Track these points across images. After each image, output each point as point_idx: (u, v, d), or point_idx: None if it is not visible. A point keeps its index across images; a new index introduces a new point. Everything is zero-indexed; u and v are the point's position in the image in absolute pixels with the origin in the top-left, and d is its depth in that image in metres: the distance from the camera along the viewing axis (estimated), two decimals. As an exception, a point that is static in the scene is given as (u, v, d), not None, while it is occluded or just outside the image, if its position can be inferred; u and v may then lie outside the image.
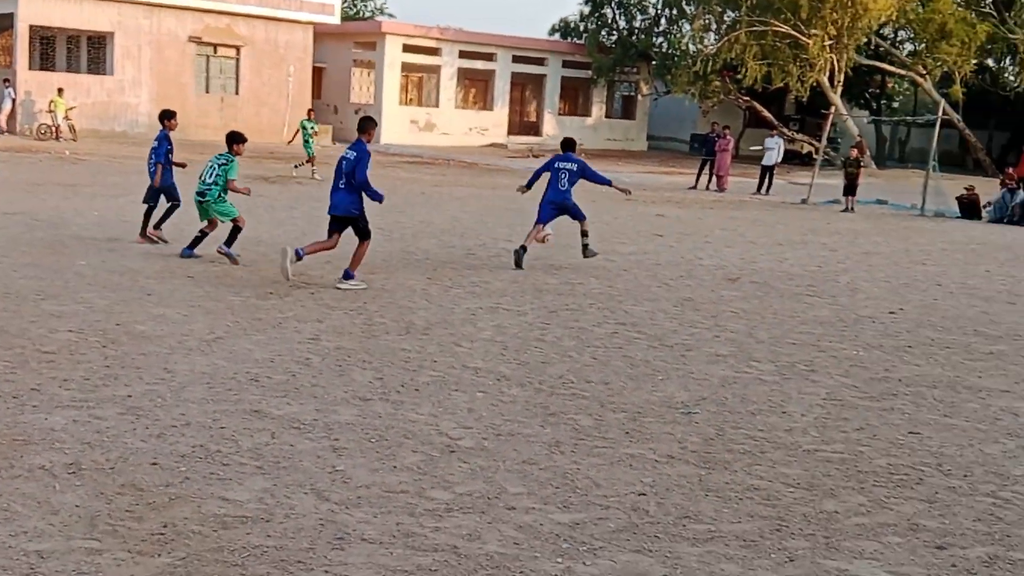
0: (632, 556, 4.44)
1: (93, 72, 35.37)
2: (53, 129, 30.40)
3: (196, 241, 11.63)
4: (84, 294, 9.18)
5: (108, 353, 7.22)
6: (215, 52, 36.47)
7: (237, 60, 36.80)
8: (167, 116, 12.76)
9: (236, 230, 11.52)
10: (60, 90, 31.16)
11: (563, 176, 12.63)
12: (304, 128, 24.34)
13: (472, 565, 4.26)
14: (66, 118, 30.75)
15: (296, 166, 23.91)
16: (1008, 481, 5.64)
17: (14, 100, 31.57)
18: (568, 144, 13.22)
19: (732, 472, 5.56)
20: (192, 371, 6.90)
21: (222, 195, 11.52)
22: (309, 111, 27.27)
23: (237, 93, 36.88)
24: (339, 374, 7.08)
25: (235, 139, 11.70)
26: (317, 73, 40.51)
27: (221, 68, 36.75)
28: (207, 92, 36.36)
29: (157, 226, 12.48)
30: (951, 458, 5.98)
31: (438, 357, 7.74)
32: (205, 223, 11.67)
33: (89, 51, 36.59)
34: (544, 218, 12.72)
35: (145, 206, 12.59)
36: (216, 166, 11.56)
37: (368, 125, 10.47)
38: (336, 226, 10.54)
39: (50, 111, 30.70)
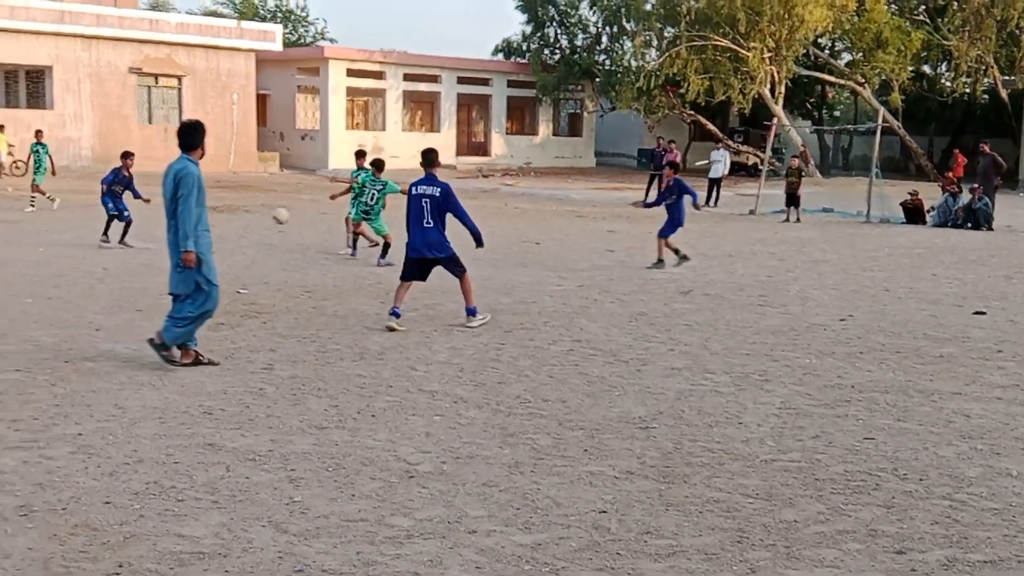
0: (595, 575, 4.43)
1: (33, 107, 34.87)
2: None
3: (385, 249, 14.15)
4: (30, 332, 9.01)
5: (57, 391, 7.09)
6: (156, 82, 36.18)
7: (179, 90, 36.54)
8: (125, 156, 16.02)
9: (386, 246, 14.13)
10: (0, 126, 30.62)
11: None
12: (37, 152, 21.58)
13: (435, 591, 4.22)
14: (9, 154, 30.25)
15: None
16: (963, 483, 5.71)
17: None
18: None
19: (692, 485, 5.57)
20: (144, 406, 6.79)
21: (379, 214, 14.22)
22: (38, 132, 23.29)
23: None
24: (294, 403, 7.01)
25: (378, 165, 14.59)
26: (261, 100, 40.34)
27: (163, 98, 36.48)
28: (150, 123, 36.05)
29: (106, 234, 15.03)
30: (906, 462, 6.05)
31: (394, 382, 7.70)
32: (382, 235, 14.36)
33: (28, 85, 36.08)
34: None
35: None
36: (376, 191, 14.25)
37: (437, 157, 10.00)
38: (418, 270, 9.88)
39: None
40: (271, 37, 38.33)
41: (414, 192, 9.87)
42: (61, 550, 4.49)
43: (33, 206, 20.51)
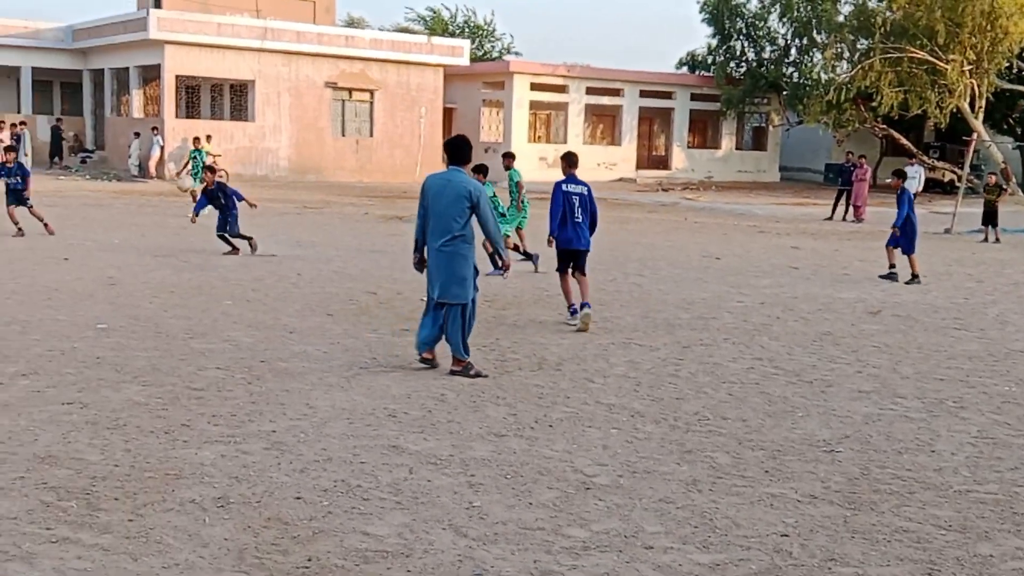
0: (775, 599, 4.32)
1: (236, 119, 36.89)
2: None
3: (530, 256, 14.55)
4: (230, 332, 9.52)
5: (253, 389, 7.46)
6: (350, 96, 37.58)
7: (371, 103, 37.83)
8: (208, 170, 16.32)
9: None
10: (208, 136, 32.57)
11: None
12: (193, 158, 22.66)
13: (611, 604, 4.21)
14: (214, 163, 32.05)
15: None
16: None
17: (162, 147, 33.13)
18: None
19: (879, 513, 5.37)
20: (333, 407, 7.06)
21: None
22: (195, 139, 25.10)
23: (372, 135, 37.87)
24: (474, 410, 7.14)
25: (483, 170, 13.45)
26: (448, 114, 41.30)
27: (356, 112, 37.85)
28: (343, 135, 37.46)
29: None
30: (1117, 501, 5.63)
31: (571, 393, 7.73)
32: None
33: (232, 99, 38.21)
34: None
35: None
36: (488, 197, 14.04)
37: (578, 159, 10.88)
38: (571, 260, 10.59)
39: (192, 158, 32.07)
40: (459, 52, 39.22)
41: (564, 190, 10.62)
42: (254, 542, 4.72)
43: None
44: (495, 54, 53.13)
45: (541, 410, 7.20)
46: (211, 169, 16.56)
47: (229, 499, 5.23)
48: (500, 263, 8.53)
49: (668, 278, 14.56)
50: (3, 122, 32.26)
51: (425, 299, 8.39)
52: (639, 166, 44.51)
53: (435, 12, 54.01)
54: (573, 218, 10.51)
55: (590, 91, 42.82)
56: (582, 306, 10.38)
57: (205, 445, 6.10)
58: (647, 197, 35.18)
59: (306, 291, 12.16)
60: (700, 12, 45.33)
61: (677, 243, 20.05)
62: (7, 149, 17.13)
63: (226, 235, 15.33)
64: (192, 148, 22.94)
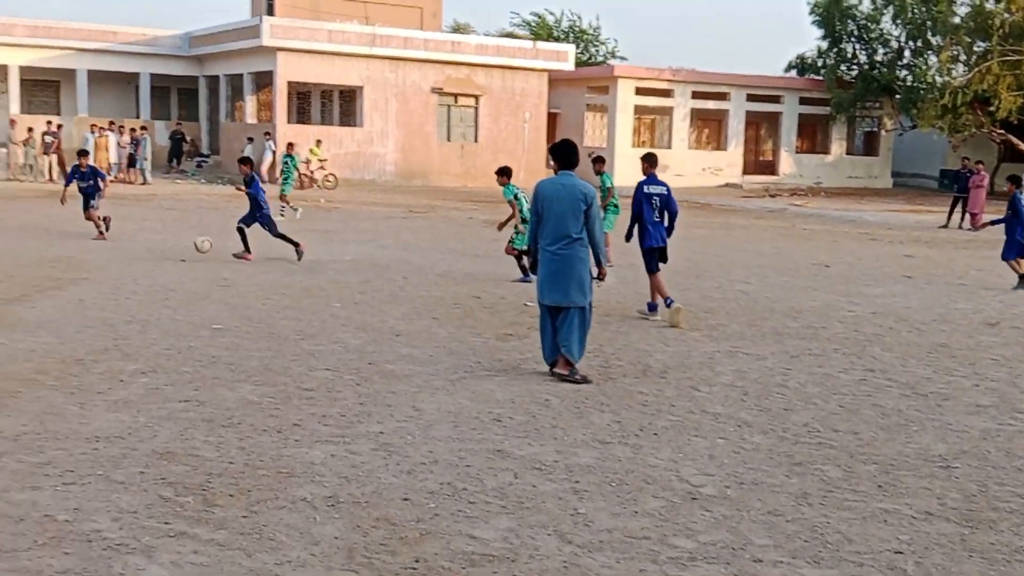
0: (889, 618, 4.21)
1: (344, 124, 37.61)
2: (310, 178, 32.51)
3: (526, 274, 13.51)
4: (339, 334, 9.70)
5: (361, 391, 7.59)
6: (456, 102, 37.96)
7: (476, 108, 38.15)
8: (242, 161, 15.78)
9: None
10: (318, 141, 33.36)
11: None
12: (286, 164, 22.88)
13: (718, 617, 4.16)
14: (320, 168, 32.81)
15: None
16: None
17: (274, 152, 33.95)
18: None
19: (998, 532, 5.18)
20: (439, 410, 7.14)
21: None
22: (289, 145, 24.76)
23: (476, 140, 38.19)
24: (578, 416, 7.14)
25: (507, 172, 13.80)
26: (552, 118, 41.38)
27: (461, 117, 38.21)
28: (448, 140, 37.86)
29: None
30: None
31: (676, 401, 7.67)
32: None
33: (341, 104, 38.97)
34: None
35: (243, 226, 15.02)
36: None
37: (658, 159, 11.48)
38: (657, 258, 11.02)
39: (306, 162, 32.89)
40: (564, 57, 39.27)
41: (645, 191, 11.04)
42: (364, 541, 4.80)
43: (283, 215, 21.45)
44: (600, 58, 53.03)
45: (646, 418, 7.16)
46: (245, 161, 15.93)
47: (339, 498, 5.32)
48: (598, 272, 8.52)
49: (776, 286, 14.31)
50: (123, 126, 33.47)
51: (530, 304, 8.44)
52: (745, 171, 43.91)
53: (540, 17, 54.20)
54: (654, 218, 10.98)
55: (696, 95, 42.42)
56: (667, 302, 10.92)
57: (316, 444, 6.23)
58: (753, 203, 34.68)
59: (412, 294, 12.32)
60: (810, 14, 44.53)
61: (785, 250, 19.71)
62: (81, 153, 17.52)
63: (243, 227, 15.01)
64: (285, 154, 23.32)
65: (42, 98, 40.64)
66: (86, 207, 16.88)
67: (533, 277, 11.36)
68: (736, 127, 43.62)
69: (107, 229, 16.87)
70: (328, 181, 32.68)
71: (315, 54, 34.59)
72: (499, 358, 8.93)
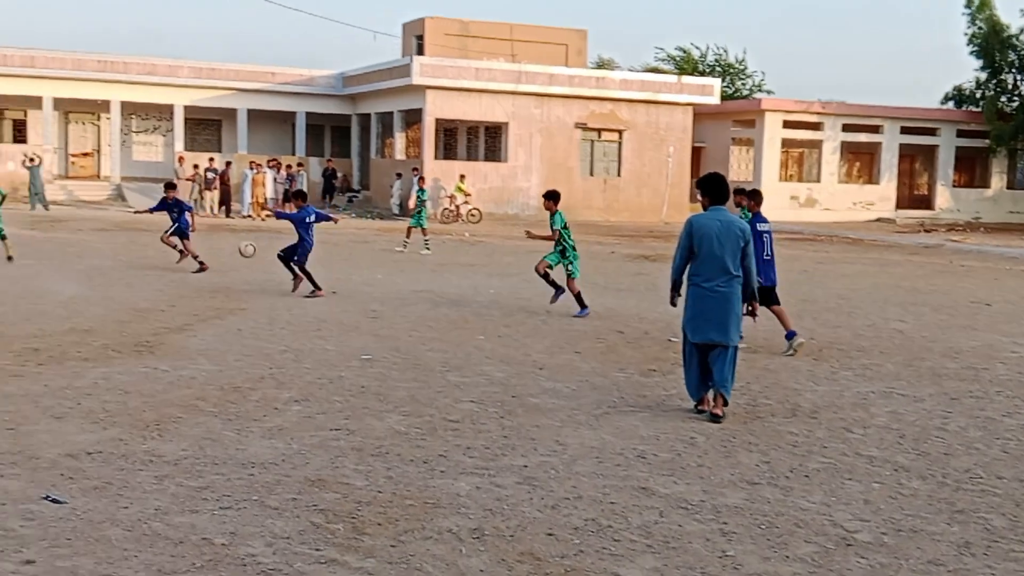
0: None
1: (490, 159, 38.17)
2: (455, 213, 33.12)
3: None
4: (483, 367, 9.79)
5: (505, 424, 7.63)
6: (599, 136, 38.05)
7: (619, 143, 38.15)
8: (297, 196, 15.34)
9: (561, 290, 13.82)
10: (462, 176, 33.97)
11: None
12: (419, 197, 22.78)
13: (875, 670, 3.99)
14: (465, 202, 33.39)
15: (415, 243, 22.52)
16: None
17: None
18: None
19: None
20: (582, 444, 7.11)
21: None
22: (421, 179, 24.46)
23: (619, 175, 38.16)
24: (725, 455, 6.99)
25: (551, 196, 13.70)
26: (696, 152, 41.04)
27: (604, 151, 38.27)
28: (591, 175, 37.95)
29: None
30: None
31: (828, 442, 7.43)
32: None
33: (486, 140, 39.58)
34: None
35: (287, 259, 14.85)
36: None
37: (762, 197, 11.76)
38: (769, 296, 11.03)
39: (451, 197, 33.56)
40: (709, 91, 38.94)
41: (757, 228, 10.92)
42: (509, 575, 4.80)
43: (428, 249, 22.02)
44: (746, 92, 52.38)
45: (796, 459, 6.96)
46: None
47: (484, 531, 5.35)
48: (752, 308, 8.46)
49: (932, 324, 13.77)
50: (279, 162, 34.81)
51: (675, 339, 8.33)
52: (899, 206, 42.57)
53: (685, 52, 53.95)
54: (763, 255, 10.99)
55: (846, 128, 41.43)
56: (790, 334, 11.05)
57: (461, 476, 6.28)
58: (908, 238, 33.51)
59: (554, 328, 12.35)
60: (968, 44, 42.99)
61: (942, 287, 18.95)
62: (168, 186, 18.17)
63: (288, 261, 14.74)
64: (417, 188, 23.80)
65: (204, 136, 42.73)
66: (174, 233, 17.41)
67: (588, 310, 12.62)
68: (889, 160, 42.35)
69: (181, 260, 17.51)
70: (472, 215, 33.19)
71: (463, 91, 35.27)
72: (643, 394, 8.84)
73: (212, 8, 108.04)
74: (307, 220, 14.76)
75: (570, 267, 13.64)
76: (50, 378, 8.58)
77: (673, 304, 8.43)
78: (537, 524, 5.48)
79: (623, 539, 5.30)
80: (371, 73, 38.31)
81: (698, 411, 8.14)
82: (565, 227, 13.55)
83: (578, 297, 13.57)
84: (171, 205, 17.60)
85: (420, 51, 40.62)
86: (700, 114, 39.80)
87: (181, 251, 17.63)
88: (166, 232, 17.69)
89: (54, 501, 5.52)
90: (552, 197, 13.65)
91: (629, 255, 23.60)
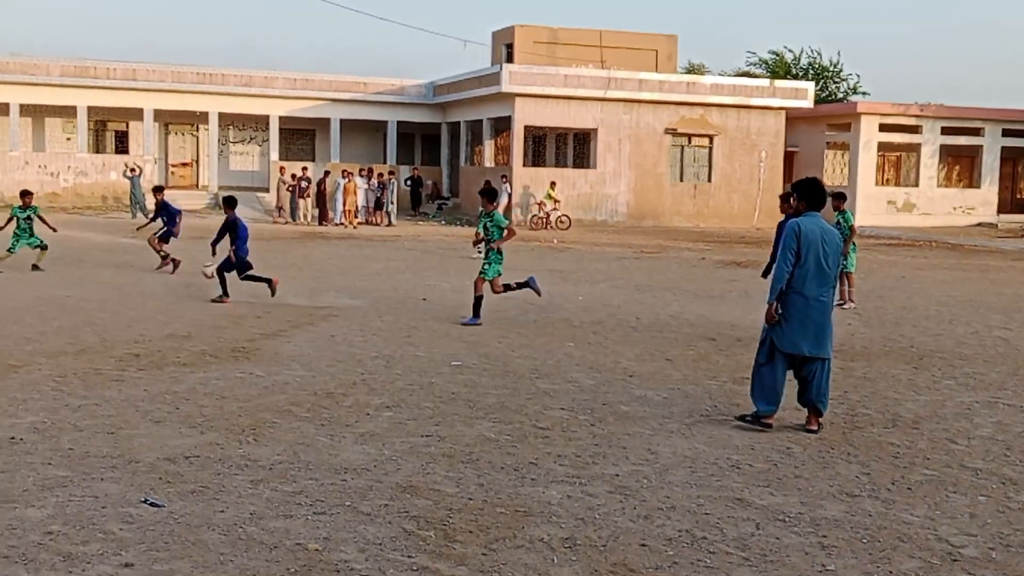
0: None
1: (578, 166, 38.06)
2: (544, 219, 33.12)
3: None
4: (573, 374, 9.73)
5: (596, 431, 7.56)
6: (689, 142, 37.65)
7: (710, 148, 37.69)
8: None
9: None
10: (552, 184, 33.97)
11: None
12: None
13: None
14: (554, 209, 33.36)
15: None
16: None
17: (510, 195, 34.78)
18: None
19: None
20: (674, 454, 7.00)
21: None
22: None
23: (709, 180, 37.70)
24: (823, 466, 6.81)
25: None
26: (789, 157, 40.32)
27: (695, 157, 37.85)
28: (680, 180, 37.56)
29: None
30: None
31: (930, 454, 7.19)
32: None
33: (575, 147, 39.48)
34: None
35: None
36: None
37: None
38: None
39: (540, 203, 33.57)
40: (803, 95, 38.23)
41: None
42: (601, 584, 4.74)
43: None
44: (840, 95, 51.33)
45: (897, 471, 6.74)
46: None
47: (576, 540, 5.29)
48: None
49: (1039, 333, 13.26)
50: (371, 170, 35.25)
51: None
52: (1001, 210, 41.20)
53: (778, 55, 53.11)
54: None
55: (945, 131, 40.27)
56: None
57: (552, 484, 6.23)
58: (1011, 243, 32.43)
59: (644, 335, 12.22)
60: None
61: (1048, 294, 18.26)
62: (156, 189, 18.57)
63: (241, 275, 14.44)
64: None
65: (299, 145, 43.53)
66: (162, 237, 17.64)
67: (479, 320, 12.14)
68: (991, 163, 41.04)
69: (163, 265, 17.51)
70: (561, 222, 33.13)
71: (552, 99, 35.25)
72: (736, 402, 8.68)
73: (305, 20, 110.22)
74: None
75: (487, 267, 12.85)
76: (149, 383, 8.78)
77: (775, 316, 7.67)
78: (630, 534, 5.40)
79: (718, 551, 5.19)
80: (461, 82, 38.55)
81: (763, 424, 7.73)
82: (497, 227, 12.70)
83: (477, 303, 12.69)
84: (159, 208, 17.91)
85: (510, 59, 40.72)
86: (793, 118, 39.09)
87: (164, 256, 17.64)
88: (155, 235, 17.94)
89: (152, 504, 5.63)
90: (488, 195, 12.85)
91: (720, 261, 23.28)
